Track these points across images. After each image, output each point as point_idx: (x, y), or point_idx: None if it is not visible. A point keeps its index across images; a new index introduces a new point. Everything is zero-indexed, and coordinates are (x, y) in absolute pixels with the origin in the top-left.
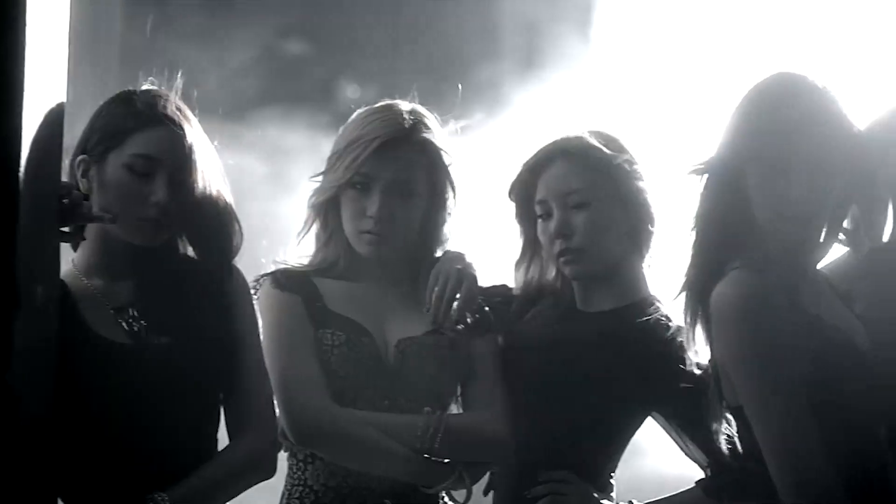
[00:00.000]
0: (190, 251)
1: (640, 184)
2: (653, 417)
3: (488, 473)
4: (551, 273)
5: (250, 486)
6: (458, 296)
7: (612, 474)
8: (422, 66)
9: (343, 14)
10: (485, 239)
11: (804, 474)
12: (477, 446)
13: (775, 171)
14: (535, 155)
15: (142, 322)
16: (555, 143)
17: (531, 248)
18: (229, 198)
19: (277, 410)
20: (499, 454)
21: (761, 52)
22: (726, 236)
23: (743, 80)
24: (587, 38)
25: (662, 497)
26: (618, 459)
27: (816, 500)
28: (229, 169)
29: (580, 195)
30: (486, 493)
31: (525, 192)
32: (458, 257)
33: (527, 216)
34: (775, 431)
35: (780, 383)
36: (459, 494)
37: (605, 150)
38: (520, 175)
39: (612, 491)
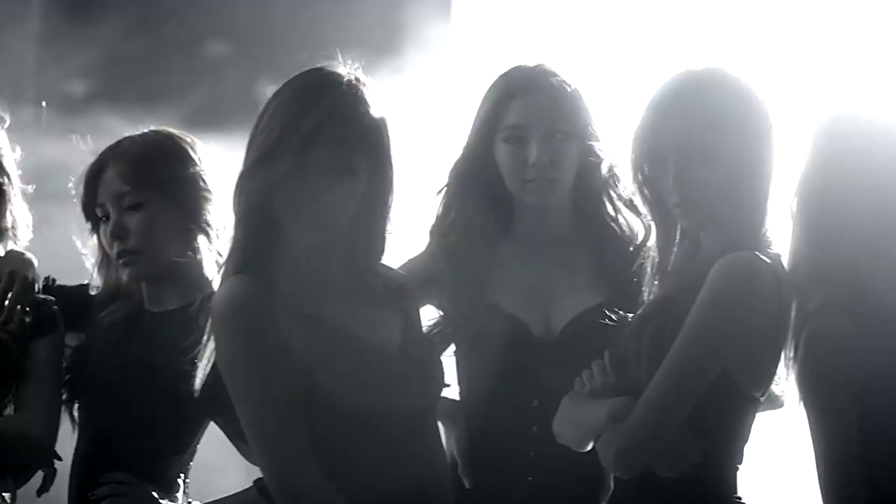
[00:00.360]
0: None
1: (200, 185)
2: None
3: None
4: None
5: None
6: (9, 295)
7: (182, 474)
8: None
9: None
10: None
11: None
12: (13, 448)
13: None
14: (94, 162)
15: None
16: (107, 149)
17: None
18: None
19: None
20: (34, 455)
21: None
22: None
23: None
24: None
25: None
26: (188, 460)
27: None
28: None
29: (133, 196)
30: (38, 494)
31: (88, 196)
32: (13, 257)
33: (92, 219)
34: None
35: (249, 391)
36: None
37: (159, 151)
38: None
39: (178, 490)
